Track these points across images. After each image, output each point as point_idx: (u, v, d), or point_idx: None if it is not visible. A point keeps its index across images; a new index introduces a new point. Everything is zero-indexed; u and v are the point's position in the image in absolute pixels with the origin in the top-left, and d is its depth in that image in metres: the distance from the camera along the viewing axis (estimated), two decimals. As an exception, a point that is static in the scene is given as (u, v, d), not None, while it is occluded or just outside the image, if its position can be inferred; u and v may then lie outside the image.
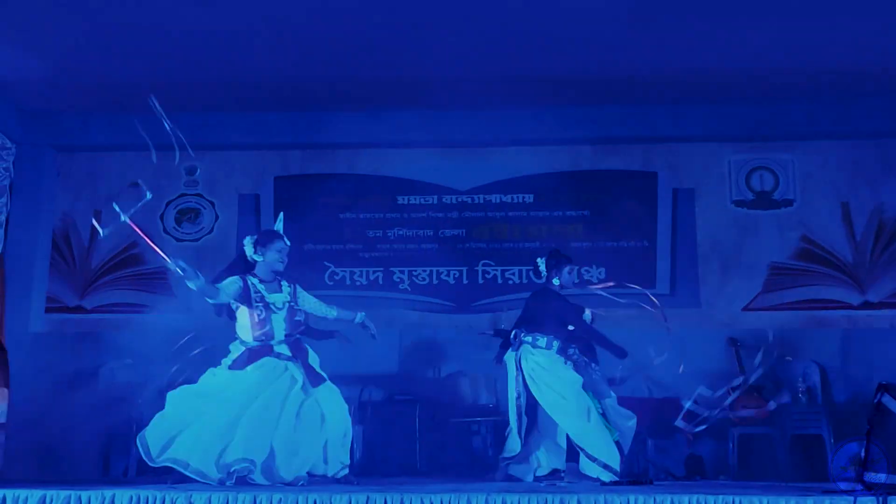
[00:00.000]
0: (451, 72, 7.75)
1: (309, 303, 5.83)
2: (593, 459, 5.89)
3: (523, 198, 8.72)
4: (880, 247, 8.30)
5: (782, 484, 5.60)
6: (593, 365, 6.58)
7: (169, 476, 5.45)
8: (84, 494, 4.30)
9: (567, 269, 6.39)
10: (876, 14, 6.70)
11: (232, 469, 5.23)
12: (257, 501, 4.30)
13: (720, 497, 4.21)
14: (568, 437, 6.10)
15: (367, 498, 4.24)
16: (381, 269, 8.57)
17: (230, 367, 5.53)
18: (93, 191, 8.80)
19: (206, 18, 6.81)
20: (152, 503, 4.30)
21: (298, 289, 5.80)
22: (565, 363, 6.23)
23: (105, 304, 8.58)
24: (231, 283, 5.50)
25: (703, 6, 6.68)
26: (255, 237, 5.76)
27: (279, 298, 5.60)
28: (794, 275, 8.35)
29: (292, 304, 5.65)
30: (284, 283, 5.72)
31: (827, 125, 8.38)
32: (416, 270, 8.57)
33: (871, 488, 4.22)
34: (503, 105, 8.41)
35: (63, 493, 4.30)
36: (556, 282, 6.35)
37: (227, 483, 5.18)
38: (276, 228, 5.87)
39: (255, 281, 5.58)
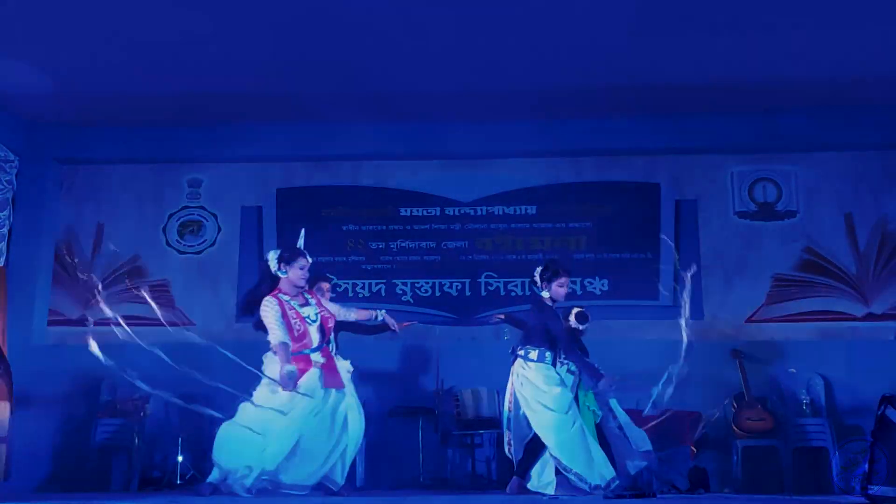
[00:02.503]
0: (453, 84, 7.77)
1: (331, 308, 5.93)
2: (567, 471, 5.82)
3: (526, 209, 8.71)
4: (884, 258, 8.27)
5: (786, 497, 5.56)
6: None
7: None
8: (84, 508, 4.27)
9: (557, 281, 6.15)
10: (878, 25, 6.70)
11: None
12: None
13: (723, 510, 4.17)
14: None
15: (369, 511, 4.21)
16: (384, 281, 8.56)
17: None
18: (95, 203, 8.82)
19: (208, 31, 6.83)
20: (152, 517, 4.26)
21: (320, 296, 5.97)
22: (559, 375, 6.17)
23: (108, 316, 8.55)
24: (273, 312, 5.55)
25: (705, 18, 6.68)
26: (279, 253, 5.79)
27: (311, 311, 5.71)
28: (797, 286, 8.32)
29: (322, 313, 5.76)
30: (308, 296, 5.82)
31: (830, 136, 8.38)
32: (418, 282, 8.56)
33: (875, 501, 4.19)
34: (506, 117, 8.42)
35: (64, 507, 4.28)
36: (545, 293, 6.26)
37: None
38: (298, 245, 5.93)
39: (286, 298, 5.66)
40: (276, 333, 5.47)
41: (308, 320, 5.63)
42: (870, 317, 8.20)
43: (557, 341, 6.09)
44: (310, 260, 5.80)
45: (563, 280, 6.16)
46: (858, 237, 8.34)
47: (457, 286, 8.55)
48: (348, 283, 8.55)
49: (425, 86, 7.81)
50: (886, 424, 4.55)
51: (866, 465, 4.45)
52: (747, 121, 8.37)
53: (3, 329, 8.08)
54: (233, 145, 8.69)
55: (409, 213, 8.74)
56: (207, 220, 8.84)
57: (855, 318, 8.21)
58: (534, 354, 6.07)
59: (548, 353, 6.08)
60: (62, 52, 7.18)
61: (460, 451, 7.77)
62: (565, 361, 6.26)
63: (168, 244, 8.71)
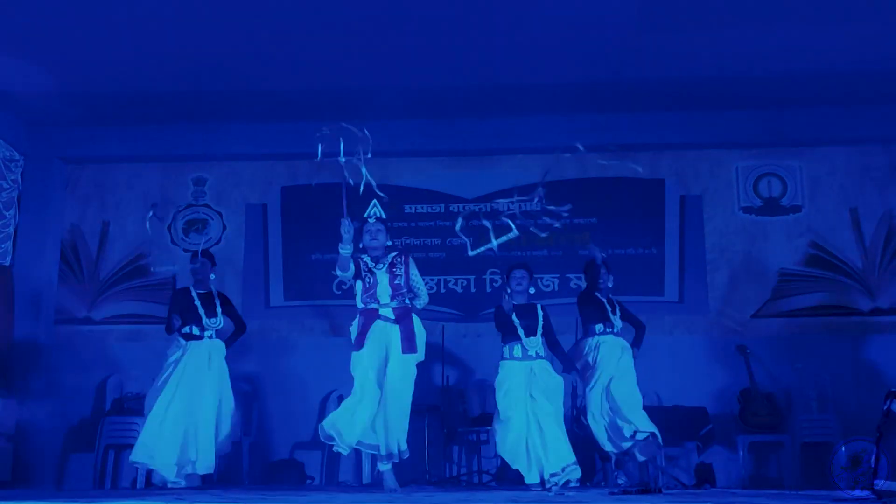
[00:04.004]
0: (457, 80, 7.76)
1: (414, 277, 6.16)
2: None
3: (530, 206, 8.68)
4: (890, 252, 8.25)
5: (792, 492, 5.55)
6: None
7: None
8: (90, 506, 4.28)
9: (512, 280, 6.51)
10: (883, 19, 6.68)
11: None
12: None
13: (729, 506, 4.17)
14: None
15: (374, 508, 4.21)
16: (389, 277, 8.54)
17: (355, 340, 5.97)
18: (101, 202, 8.84)
19: (212, 30, 6.83)
20: (158, 515, 4.27)
21: (410, 261, 6.19)
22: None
23: (113, 315, 8.60)
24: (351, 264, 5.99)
25: (710, 13, 6.67)
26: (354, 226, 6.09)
27: (381, 267, 6.02)
28: (803, 281, 8.30)
29: (395, 269, 6.05)
30: (390, 256, 6.12)
31: (835, 130, 8.35)
32: (423, 279, 8.53)
33: (882, 496, 4.18)
34: (510, 113, 8.42)
35: (70, 505, 4.29)
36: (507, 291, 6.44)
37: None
38: (365, 214, 6.27)
39: (367, 258, 6.07)
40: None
41: (377, 274, 5.99)
42: (876, 311, 8.17)
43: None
44: (372, 223, 6.14)
45: (518, 277, 6.57)
46: (864, 231, 8.32)
47: (462, 283, 8.55)
48: (353, 281, 8.53)
49: (429, 82, 7.81)
50: (893, 419, 4.53)
51: (872, 460, 4.43)
52: (752, 116, 8.35)
53: (9, 327, 8.11)
54: (238, 143, 8.71)
55: (413, 210, 8.74)
56: (213, 218, 8.85)
57: (861, 313, 8.18)
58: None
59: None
60: (67, 52, 7.19)
61: (466, 448, 7.77)
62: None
63: (173, 242, 8.73)
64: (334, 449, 5.88)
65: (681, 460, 7.18)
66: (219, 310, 6.71)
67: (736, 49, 7.18)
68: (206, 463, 6.39)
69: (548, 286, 8.47)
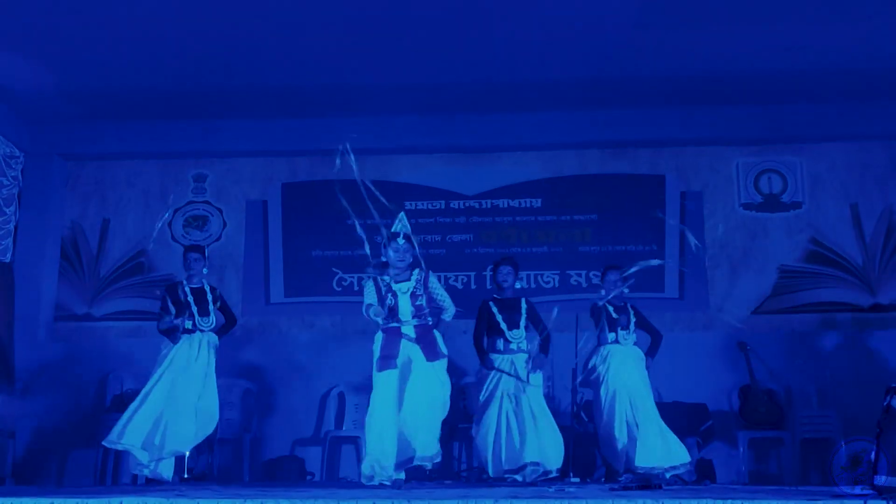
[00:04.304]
0: (457, 76, 7.76)
1: (435, 290, 6.17)
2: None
3: (531, 202, 8.70)
4: (890, 248, 8.25)
5: (792, 488, 5.55)
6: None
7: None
8: (91, 502, 4.26)
9: (499, 276, 6.67)
10: (883, 15, 6.68)
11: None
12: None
13: (728, 502, 4.16)
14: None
15: (374, 504, 4.20)
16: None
17: (377, 361, 5.90)
18: (101, 199, 8.84)
19: (213, 26, 6.84)
20: (159, 511, 4.25)
21: (431, 276, 6.17)
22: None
23: (113, 312, 8.60)
24: (369, 289, 6.05)
25: (710, 9, 6.67)
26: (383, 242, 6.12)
27: (404, 286, 5.99)
28: (803, 277, 8.30)
29: (416, 290, 6.01)
30: (415, 272, 6.08)
31: (835, 127, 8.36)
32: (424, 276, 8.55)
33: (882, 492, 4.18)
34: (510, 109, 8.42)
35: (71, 501, 4.27)
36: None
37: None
38: (393, 229, 6.19)
39: (386, 278, 6.02)
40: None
41: (399, 293, 5.94)
42: (876, 307, 8.18)
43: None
44: (402, 242, 6.03)
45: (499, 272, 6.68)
46: (864, 228, 8.32)
47: (462, 279, 8.55)
48: (353, 277, 8.56)
49: (430, 79, 7.81)
50: (892, 414, 4.53)
51: (872, 456, 4.43)
52: (752, 112, 8.35)
53: (10, 324, 8.11)
54: (238, 140, 8.72)
55: (413, 207, 8.74)
56: (213, 215, 8.85)
57: (862, 309, 8.19)
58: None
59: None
60: (67, 48, 7.19)
61: (466, 444, 7.77)
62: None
63: (174, 239, 8.72)
64: (376, 481, 5.62)
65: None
66: (210, 307, 6.73)
67: (736, 46, 7.18)
68: (172, 449, 6.35)
69: (548, 282, 8.47)
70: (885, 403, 4.55)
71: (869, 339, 7.97)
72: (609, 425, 6.46)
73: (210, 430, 6.57)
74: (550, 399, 7.81)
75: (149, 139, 8.72)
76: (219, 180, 8.91)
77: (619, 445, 6.41)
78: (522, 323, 6.47)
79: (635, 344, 6.68)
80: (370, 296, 5.97)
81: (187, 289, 6.74)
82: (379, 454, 5.63)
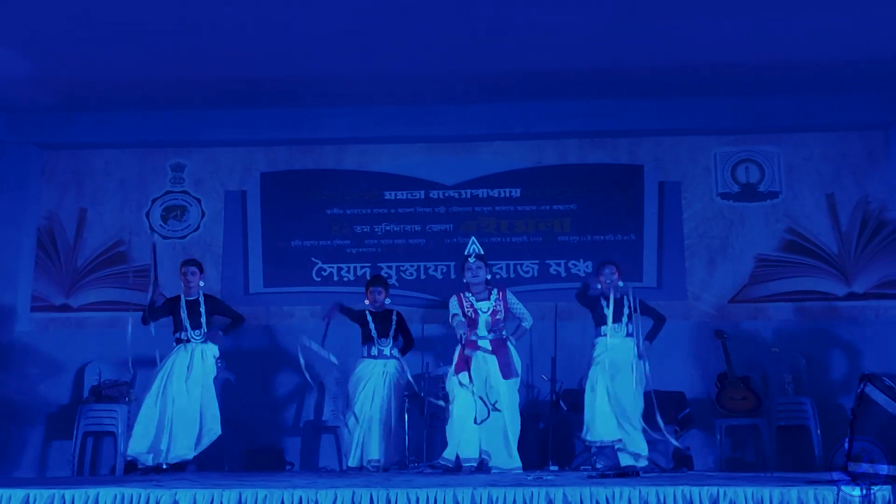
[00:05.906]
0: (437, 66, 7.75)
1: (514, 305, 6.76)
2: None
3: (510, 192, 8.71)
4: (865, 238, 8.32)
5: (768, 475, 5.61)
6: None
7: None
8: (68, 493, 4.25)
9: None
10: (861, 8, 6.71)
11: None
12: (242, 498, 4.26)
13: (705, 489, 4.20)
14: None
15: (353, 493, 4.21)
16: (369, 264, 8.56)
17: (454, 365, 6.53)
18: (78, 189, 8.78)
19: (191, 14, 6.78)
20: (136, 502, 4.25)
21: (508, 293, 6.77)
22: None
23: (91, 302, 8.55)
24: (453, 303, 6.72)
25: (688, 1, 6.68)
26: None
27: (484, 305, 6.64)
28: (780, 266, 8.37)
29: (495, 307, 6.62)
30: (494, 291, 6.71)
31: (812, 117, 8.42)
32: (403, 265, 8.57)
33: (855, 479, 4.23)
34: (489, 99, 8.43)
35: (47, 493, 4.25)
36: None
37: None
38: (466, 252, 6.76)
39: (469, 294, 6.71)
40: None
41: (479, 311, 6.59)
42: (851, 296, 8.25)
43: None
44: (473, 262, 6.65)
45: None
46: (840, 217, 8.39)
47: (442, 269, 8.56)
48: (333, 268, 8.56)
49: (409, 69, 7.79)
50: (866, 402, 4.58)
51: (846, 443, 4.48)
52: (730, 102, 8.40)
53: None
54: (216, 130, 8.68)
55: (393, 197, 8.74)
56: (191, 205, 8.81)
57: (837, 298, 8.26)
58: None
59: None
60: (43, 37, 7.11)
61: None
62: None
63: (152, 229, 8.67)
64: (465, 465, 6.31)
65: (659, 444, 7.23)
66: (203, 319, 6.93)
67: (714, 36, 7.20)
68: (177, 455, 6.55)
69: (527, 272, 8.49)
70: (858, 391, 4.59)
71: (843, 327, 8.05)
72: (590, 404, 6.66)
73: (213, 437, 6.78)
74: (530, 388, 7.88)
75: (126, 128, 8.65)
76: (197, 170, 8.86)
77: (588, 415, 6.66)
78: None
79: (628, 335, 6.73)
80: (454, 307, 6.65)
81: (182, 302, 6.94)
82: (465, 443, 6.30)
